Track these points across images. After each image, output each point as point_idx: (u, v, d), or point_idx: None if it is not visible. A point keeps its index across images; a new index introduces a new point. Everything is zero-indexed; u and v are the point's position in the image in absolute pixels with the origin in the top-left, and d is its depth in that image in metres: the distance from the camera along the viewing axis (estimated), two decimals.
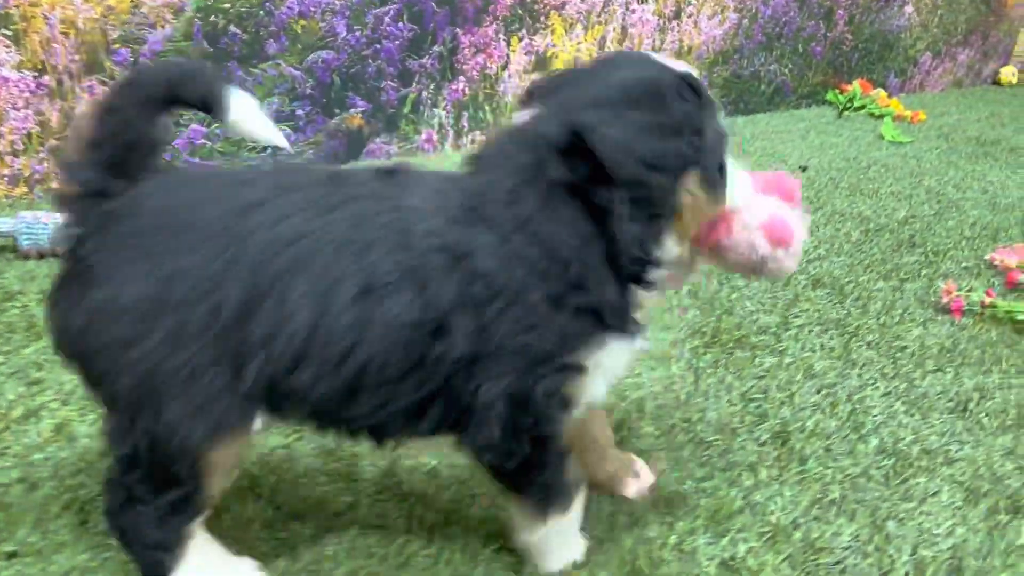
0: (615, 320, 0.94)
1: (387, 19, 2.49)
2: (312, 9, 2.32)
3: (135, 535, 0.95)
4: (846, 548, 1.18)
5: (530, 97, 1.00)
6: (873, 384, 1.62)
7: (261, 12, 2.22)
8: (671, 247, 0.97)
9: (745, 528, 1.20)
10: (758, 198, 1.04)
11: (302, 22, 2.32)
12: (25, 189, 1.99)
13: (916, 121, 4.07)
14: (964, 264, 2.27)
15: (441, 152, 2.78)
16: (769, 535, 1.19)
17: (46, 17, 1.84)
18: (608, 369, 0.98)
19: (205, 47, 2.14)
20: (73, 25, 1.87)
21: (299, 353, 0.87)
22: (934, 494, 1.31)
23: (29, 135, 1.94)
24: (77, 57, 1.93)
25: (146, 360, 0.86)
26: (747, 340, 1.75)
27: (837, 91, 4.26)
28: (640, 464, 1.26)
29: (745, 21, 3.67)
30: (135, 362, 0.86)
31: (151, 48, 2.04)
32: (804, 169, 3.07)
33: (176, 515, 0.94)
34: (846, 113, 4.11)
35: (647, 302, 0.99)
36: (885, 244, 2.36)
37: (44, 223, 1.69)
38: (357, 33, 2.44)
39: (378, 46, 2.49)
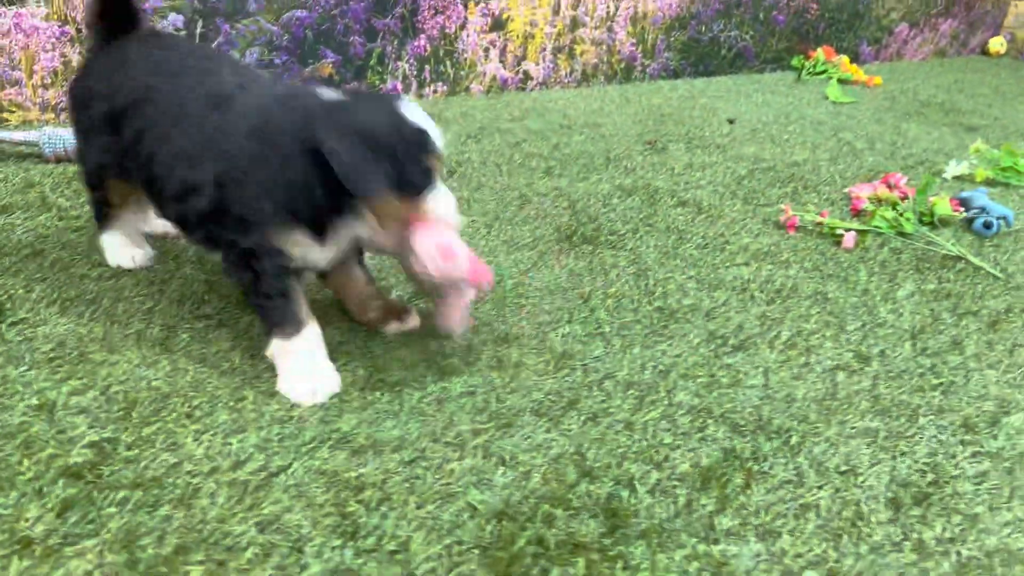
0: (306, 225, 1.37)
1: None
2: None
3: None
4: (595, 358, 1.64)
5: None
6: (682, 271, 2.06)
7: None
8: (365, 222, 1.37)
9: (523, 347, 1.67)
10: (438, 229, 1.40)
11: None
12: (52, 115, 2.54)
13: (871, 85, 4.39)
14: (827, 196, 2.66)
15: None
16: (538, 349, 1.66)
17: None
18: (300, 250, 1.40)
19: (196, 4, 2.66)
20: None
21: (146, 161, 1.49)
22: (684, 336, 1.76)
23: (55, 72, 2.49)
24: None
25: (87, 120, 1.60)
26: (597, 239, 2.20)
27: (803, 57, 4.59)
28: (409, 311, 1.68)
29: None
30: (85, 118, 1.62)
31: (151, 5, 2.57)
32: (732, 122, 3.46)
33: (100, 209, 1.76)
34: (805, 77, 4.45)
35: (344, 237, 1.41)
36: (764, 179, 2.76)
37: (62, 135, 2.23)
38: None
39: (345, 7, 2.98)
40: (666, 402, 1.52)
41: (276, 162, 1.33)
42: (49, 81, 2.51)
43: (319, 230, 1.38)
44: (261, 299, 1.42)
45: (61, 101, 2.55)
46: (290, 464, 1.27)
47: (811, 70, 4.50)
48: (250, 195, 1.35)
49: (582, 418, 1.46)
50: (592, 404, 1.50)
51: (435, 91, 3.33)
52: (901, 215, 2.45)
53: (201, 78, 1.49)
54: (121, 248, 1.79)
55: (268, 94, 1.42)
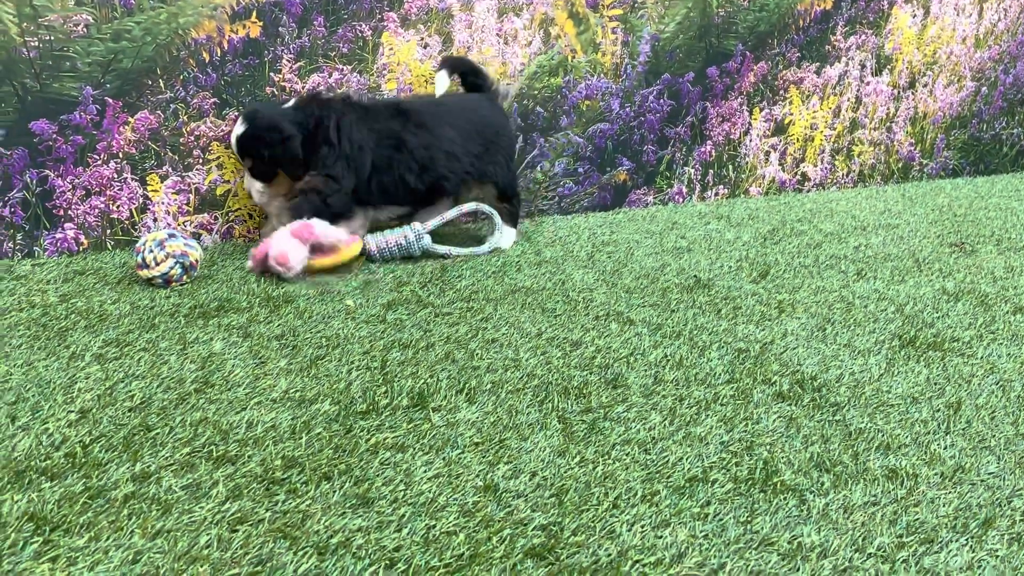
0: None
1: (651, 97, 3.15)
2: (595, 92, 3.05)
3: None
4: (991, 474, 1.57)
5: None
6: None
7: (558, 96, 2.99)
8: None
9: (910, 456, 1.63)
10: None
11: (587, 102, 3.05)
12: None
13: None
14: None
15: (688, 201, 3.37)
16: (927, 460, 1.61)
17: None
18: None
19: (518, 121, 2.93)
20: None
21: None
22: None
23: None
24: None
25: None
26: (942, 346, 2.13)
27: None
28: None
29: (984, 89, 3.91)
30: None
31: None
32: None
33: None
34: None
35: None
36: None
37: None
38: (628, 109, 3.13)
39: (643, 118, 3.16)
40: None
41: None
42: None
43: None
44: None
45: None
46: (723, 563, 1.31)
47: None
48: None
49: (1006, 538, 1.40)
50: (1009, 524, 1.43)
51: (716, 194, 3.42)
52: None
53: None
54: None
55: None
